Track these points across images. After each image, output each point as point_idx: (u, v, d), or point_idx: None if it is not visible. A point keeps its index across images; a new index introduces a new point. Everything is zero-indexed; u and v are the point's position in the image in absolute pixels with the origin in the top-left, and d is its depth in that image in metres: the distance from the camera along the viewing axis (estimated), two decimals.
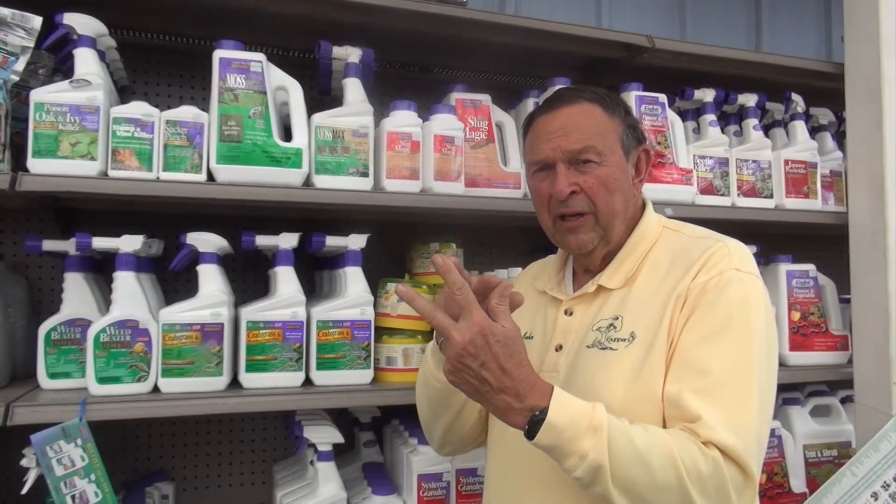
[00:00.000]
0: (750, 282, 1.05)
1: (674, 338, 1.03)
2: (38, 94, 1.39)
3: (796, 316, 2.00)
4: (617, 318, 1.10)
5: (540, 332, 1.21)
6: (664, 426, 1.01)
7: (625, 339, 1.07)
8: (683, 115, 2.07)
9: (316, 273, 1.93)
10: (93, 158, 1.40)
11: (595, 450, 0.90)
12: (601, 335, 1.10)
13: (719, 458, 0.93)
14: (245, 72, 1.51)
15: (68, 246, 1.54)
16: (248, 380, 1.51)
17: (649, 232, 1.17)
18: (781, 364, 1.11)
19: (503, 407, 0.92)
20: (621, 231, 1.17)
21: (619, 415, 0.99)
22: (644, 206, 1.22)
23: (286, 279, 1.58)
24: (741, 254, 1.08)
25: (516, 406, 0.92)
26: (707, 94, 2.04)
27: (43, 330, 1.49)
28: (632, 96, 1.88)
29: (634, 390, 1.02)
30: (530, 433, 0.91)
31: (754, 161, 2.03)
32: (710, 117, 2.04)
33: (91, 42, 1.48)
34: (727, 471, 0.93)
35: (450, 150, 1.67)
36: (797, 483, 1.95)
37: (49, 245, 1.54)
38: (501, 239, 2.20)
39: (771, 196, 2.04)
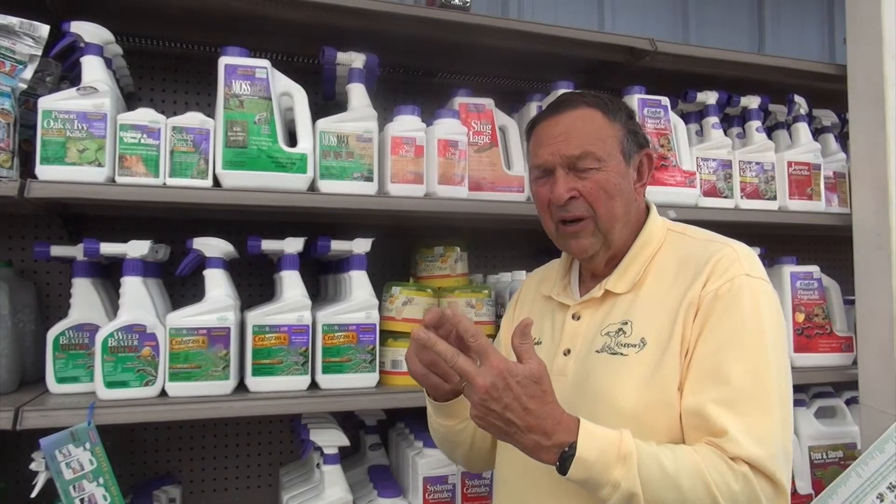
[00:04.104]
0: (761, 287, 1.05)
1: (689, 346, 1.04)
2: (45, 102, 1.40)
3: (801, 317, 2.00)
4: (626, 324, 1.10)
5: (548, 337, 1.22)
6: (682, 433, 1.01)
7: (635, 345, 1.07)
8: (686, 117, 2.07)
9: (321, 277, 1.94)
10: (100, 165, 1.41)
11: (626, 478, 0.91)
12: (610, 340, 1.10)
13: (749, 473, 0.93)
14: (250, 78, 1.53)
15: (76, 251, 1.55)
16: (255, 383, 1.52)
17: (655, 235, 1.17)
18: None
19: (532, 446, 0.94)
20: (624, 235, 1.17)
21: (632, 420, 1.00)
22: (648, 209, 1.23)
23: (292, 283, 1.59)
24: (749, 258, 1.08)
25: (545, 444, 0.93)
26: (710, 97, 2.05)
27: (51, 335, 1.50)
28: (634, 99, 1.89)
29: (647, 395, 1.02)
30: (562, 468, 0.92)
31: (757, 163, 2.03)
32: (713, 119, 2.04)
33: (98, 50, 1.49)
34: (758, 484, 0.94)
35: (453, 154, 1.68)
36: (803, 484, 1.95)
37: (57, 251, 1.55)
38: (505, 242, 2.21)
39: (774, 198, 2.03)
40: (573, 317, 1.19)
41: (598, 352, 1.11)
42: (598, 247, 1.16)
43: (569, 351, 1.16)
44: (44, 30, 1.42)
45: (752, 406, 0.97)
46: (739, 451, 0.94)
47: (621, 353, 1.08)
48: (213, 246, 1.55)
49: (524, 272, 1.83)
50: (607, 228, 1.14)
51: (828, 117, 2.29)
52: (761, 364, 1.00)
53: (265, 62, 1.55)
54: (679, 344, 1.04)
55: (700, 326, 1.03)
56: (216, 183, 1.51)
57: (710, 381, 1.00)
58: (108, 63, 1.55)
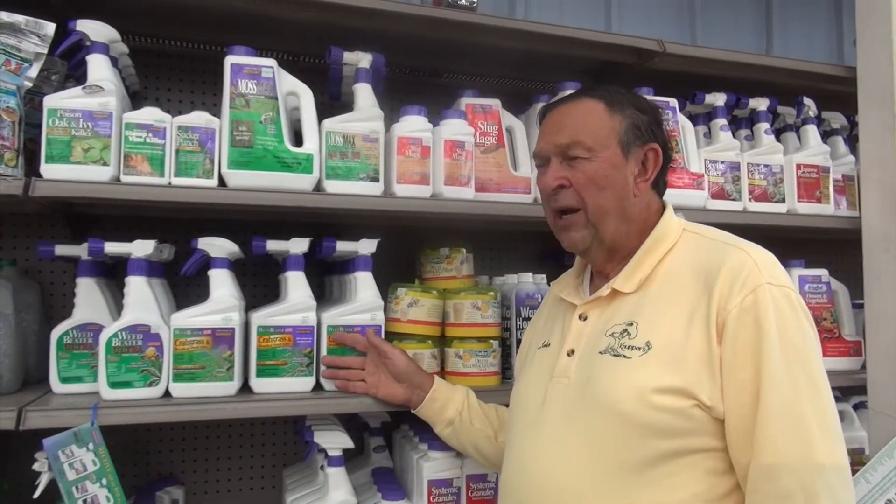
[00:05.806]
0: (787, 299, 1.02)
1: (720, 365, 1.01)
2: (51, 101, 1.39)
3: None
4: (631, 324, 1.08)
5: (557, 339, 1.21)
6: (685, 442, 1.00)
7: (640, 348, 1.05)
8: (694, 119, 2.06)
9: (326, 278, 1.93)
10: (105, 164, 1.41)
11: None
12: (614, 341, 1.08)
13: None
14: (256, 77, 1.52)
15: (81, 251, 1.54)
16: (259, 385, 1.51)
17: (668, 235, 1.15)
18: None
19: None
20: (622, 231, 1.15)
21: (634, 424, 0.99)
22: (664, 208, 1.21)
23: (297, 284, 1.58)
24: (769, 265, 1.05)
25: None
26: (718, 99, 2.04)
27: (55, 334, 1.49)
28: None
29: (651, 401, 1.00)
30: None
31: (766, 165, 2.02)
32: (722, 121, 2.02)
33: (104, 48, 1.48)
34: None
35: (460, 154, 1.67)
36: None
37: (61, 250, 1.54)
38: (512, 244, 2.20)
39: (783, 200, 2.02)
40: (580, 317, 1.18)
41: (601, 353, 1.09)
42: (590, 240, 1.15)
43: (572, 351, 1.14)
44: (49, 28, 1.41)
45: (796, 442, 0.98)
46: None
47: (624, 356, 1.06)
48: (217, 246, 1.54)
49: (530, 274, 1.82)
50: (597, 220, 1.13)
51: (837, 120, 2.27)
52: (791, 393, 0.99)
53: (271, 61, 1.54)
54: (698, 356, 1.01)
55: (731, 352, 1.00)
56: (221, 182, 1.50)
57: (748, 439, 0.99)
58: (114, 62, 1.54)
